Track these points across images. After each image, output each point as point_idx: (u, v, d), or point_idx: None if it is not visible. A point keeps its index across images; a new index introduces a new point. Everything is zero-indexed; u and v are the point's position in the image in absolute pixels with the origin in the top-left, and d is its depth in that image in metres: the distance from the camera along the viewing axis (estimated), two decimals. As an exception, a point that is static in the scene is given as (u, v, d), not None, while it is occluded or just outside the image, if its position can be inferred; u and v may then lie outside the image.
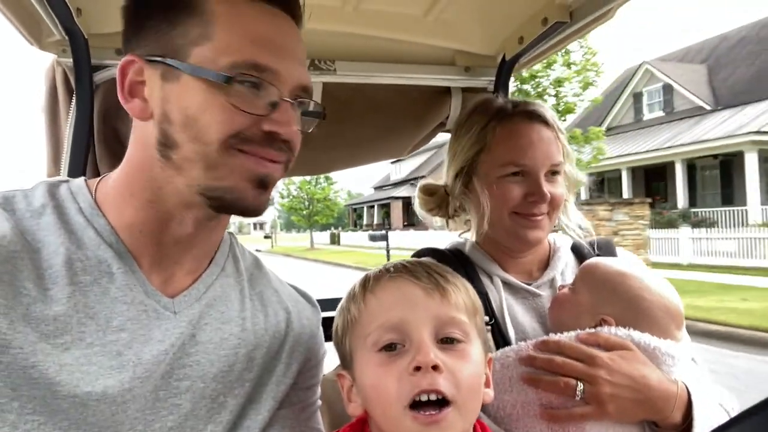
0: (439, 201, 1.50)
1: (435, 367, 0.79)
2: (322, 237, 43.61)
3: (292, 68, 0.86)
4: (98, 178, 0.94)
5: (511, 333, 1.28)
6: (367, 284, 0.92)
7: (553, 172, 1.33)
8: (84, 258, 0.83)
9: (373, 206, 43.30)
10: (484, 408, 1.16)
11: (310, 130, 0.95)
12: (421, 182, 1.56)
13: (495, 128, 1.34)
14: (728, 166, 21.35)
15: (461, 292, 0.90)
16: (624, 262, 1.26)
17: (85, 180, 0.93)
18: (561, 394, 1.09)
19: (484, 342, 0.91)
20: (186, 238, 0.90)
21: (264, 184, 0.86)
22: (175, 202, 0.86)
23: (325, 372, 1.15)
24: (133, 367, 0.82)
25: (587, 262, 1.30)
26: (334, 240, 39.52)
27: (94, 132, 1.64)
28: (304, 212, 33.62)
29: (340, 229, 46.59)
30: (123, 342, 0.82)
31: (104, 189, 0.91)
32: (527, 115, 1.35)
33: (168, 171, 0.84)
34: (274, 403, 0.97)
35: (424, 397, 0.79)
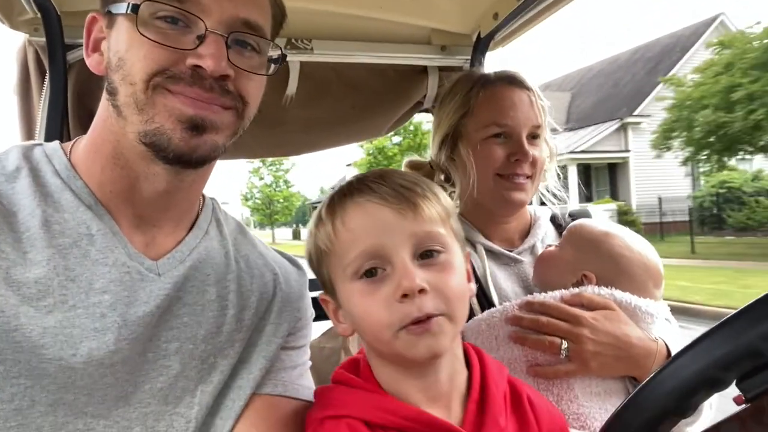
0: (425, 175, 1.53)
1: (421, 290, 0.78)
2: (285, 233, 47.86)
3: None
4: (73, 140, 0.93)
5: (495, 297, 1.32)
6: (333, 210, 0.87)
7: (534, 136, 1.38)
8: (62, 220, 0.82)
9: None
10: None
11: (269, 73, 0.91)
12: (406, 159, 1.61)
13: (478, 93, 1.40)
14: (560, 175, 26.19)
15: (432, 202, 0.85)
16: (607, 224, 1.32)
17: (60, 143, 0.92)
18: (546, 352, 1.13)
19: (461, 241, 0.89)
20: (159, 197, 0.89)
21: (195, 126, 0.82)
22: (134, 157, 0.84)
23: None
24: (118, 328, 0.81)
25: (574, 223, 1.35)
26: (296, 236, 42.94)
27: (68, 113, 1.61)
28: (266, 212, 38.13)
29: (301, 226, 48.97)
30: (106, 304, 0.81)
31: (77, 151, 0.90)
32: (508, 80, 1.41)
33: (120, 122, 0.83)
34: (265, 362, 0.96)
35: (415, 320, 0.79)
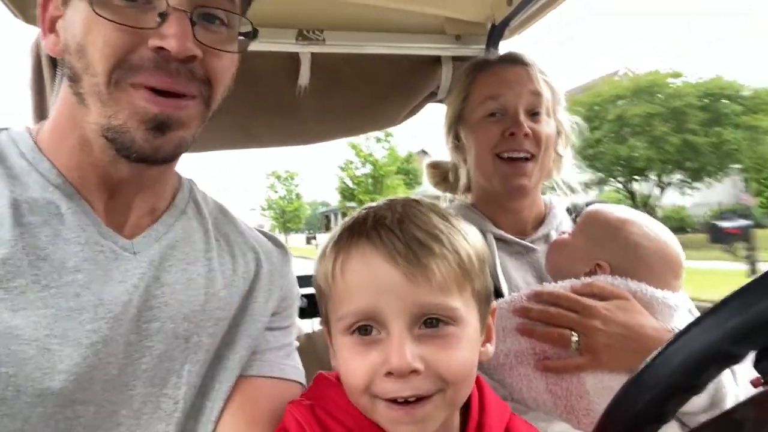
0: (444, 174, 1.54)
1: (413, 371, 0.69)
2: (299, 239, 52.68)
3: None
4: (38, 124, 0.91)
5: (504, 288, 1.26)
6: (338, 250, 0.77)
7: (534, 112, 1.32)
8: (30, 200, 0.80)
9: (337, 213, 51.27)
10: None
11: (239, 51, 0.86)
12: (427, 160, 1.61)
13: (476, 76, 1.38)
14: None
15: (450, 263, 0.73)
16: (625, 210, 1.24)
17: (27, 127, 0.90)
18: (555, 345, 1.07)
19: (484, 298, 0.78)
20: (128, 183, 0.86)
21: (160, 125, 0.78)
22: (98, 143, 0.81)
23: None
24: (93, 307, 0.79)
25: (589, 208, 1.28)
26: (308, 241, 47.33)
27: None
28: (281, 220, 43.94)
29: (314, 232, 54.98)
30: (80, 283, 0.79)
31: (42, 133, 0.88)
32: (505, 59, 1.39)
33: (82, 110, 0.80)
34: (251, 341, 0.94)
35: (400, 400, 0.71)
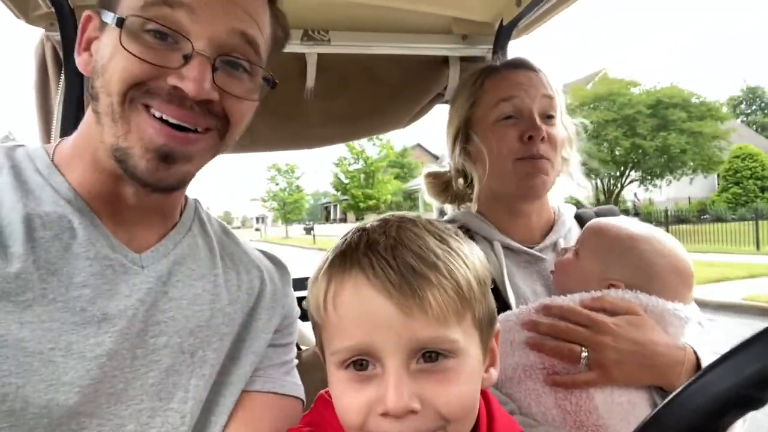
0: (444, 184, 1.51)
1: (411, 411, 0.66)
2: (298, 229, 54.43)
3: (214, 14, 0.80)
4: (56, 142, 0.94)
5: (512, 298, 1.25)
6: (330, 277, 0.73)
7: (547, 115, 1.31)
8: (43, 214, 0.82)
9: (336, 204, 53.04)
10: None
11: (257, 99, 0.89)
12: (425, 170, 1.57)
13: (484, 80, 1.35)
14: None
15: (447, 292, 0.68)
16: (630, 222, 1.22)
17: (43, 144, 0.92)
18: (565, 360, 1.06)
19: (486, 323, 0.74)
20: (135, 205, 0.88)
21: (164, 156, 0.80)
22: (109, 167, 0.84)
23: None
24: (97, 322, 0.80)
25: (591, 223, 1.26)
26: (308, 232, 48.34)
27: (84, 107, 1.60)
28: (282, 211, 46.58)
29: (312, 222, 56.73)
30: (86, 298, 0.80)
31: (61, 151, 0.91)
32: (513, 64, 1.37)
33: (98, 128, 0.83)
34: (254, 357, 0.96)
35: None
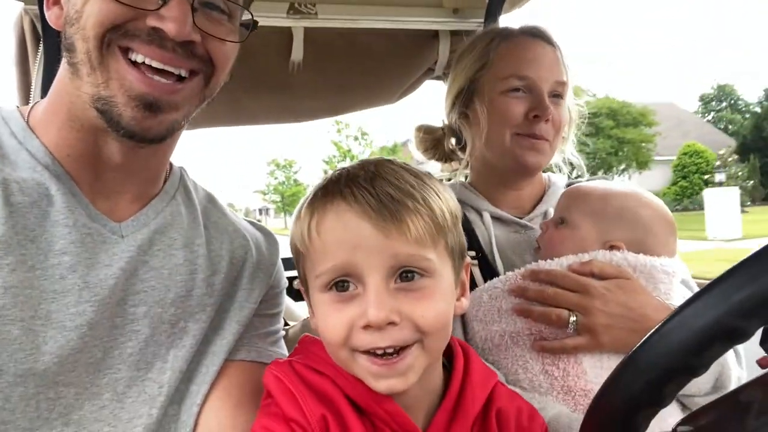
0: (435, 141, 1.46)
1: (390, 323, 0.70)
2: None
3: None
4: (32, 104, 0.90)
5: (500, 266, 1.22)
6: (312, 210, 0.77)
7: (556, 94, 1.26)
8: (20, 180, 0.79)
9: None
10: (471, 340, 1.10)
11: (238, 41, 0.86)
12: (418, 123, 1.51)
13: (499, 44, 1.29)
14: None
15: (424, 218, 0.73)
16: (607, 183, 1.20)
17: (18, 106, 0.89)
18: (553, 325, 1.03)
19: (458, 253, 0.79)
20: (117, 166, 0.84)
21: (150, 105, 0.77)
22: (88, 121, 0.80)
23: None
24: (78, 291, 0.79)
25: (570, 190, 1.22)
26: None
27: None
28: (280, 204, 47.46)
29: None
30: (66, 265, 0.79)
31: (36, 113, 0.87)
32: (531, 33, 1.30)
33: (75, 81, 0.79)
34: (238, 327, 0.94)
35: (379, 351, 0.71)
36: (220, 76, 0.85)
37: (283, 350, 1.01)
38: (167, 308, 0.87)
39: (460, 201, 1.32)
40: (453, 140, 1.42)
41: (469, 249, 1.23)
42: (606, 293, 1.02)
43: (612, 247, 1.10)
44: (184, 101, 0.82)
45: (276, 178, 46.99)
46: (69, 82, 0.80)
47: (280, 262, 1.05)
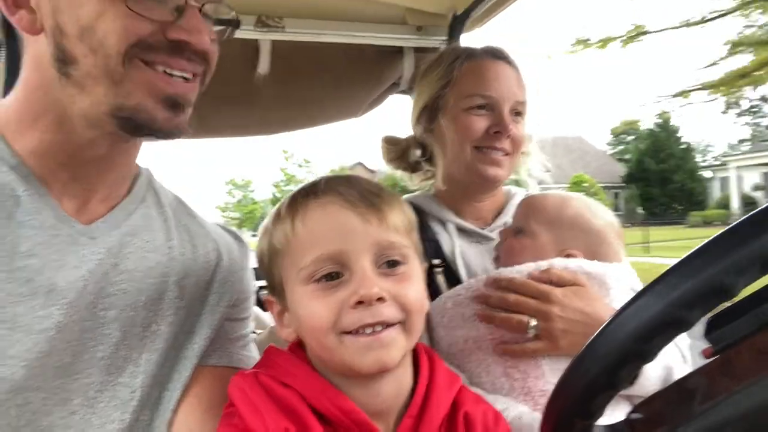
0: (401, 151, 1.49)
1: (379, 299, 0.74)
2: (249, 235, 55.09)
3: None
4: None
5: (463, 275, 1.27)
6: (295, 209, 0.81)
7: (517, 113, 1.33)
8: None
9: None
10: (436, 346, 1.13)
11: (225, 38, 0.89)
12: (385, 134, 1.55)
13: (463, 63, 1.35)
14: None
15: (397, 210, 0.81)
16: (561, 193, 1.26)
17: None
18: (514, 331, 1.07)
19: (420, 255, 0.86)
20: (100, 161, 0.84)
21: (175, 105, 0.80)
22: (84, 124, 0.79)
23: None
24: (45, 293, 0.77)
25: (528, 200, 1.28)
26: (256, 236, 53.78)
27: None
28: (237, 220, 48.41)
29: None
30: (33, 268, 0.77)
31: (1, 115, 0.84)
32: (493, 53, 1.37)
33: (69, 89, 0.78)
34: (209, 331, 0.94)
35: (368, 330, 0.74)
36: (208, 76, 0.88)
37: (254, 353, 1.01)
38: (139, 311, 0.86)
39: (427, 212, 1.38)
40: (418, 152, 1.46)
41: (435, 257, 1.28)
42: (564, 299, 1.07)
43: (568, 255, 1.16)
44: (194, 99, 0.85)
45: (234, 197, 49.45)
46: (60, 91, 0.78)
47: (250, 267, 1.06)
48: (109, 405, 0.82)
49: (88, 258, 0.82)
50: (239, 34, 1.69)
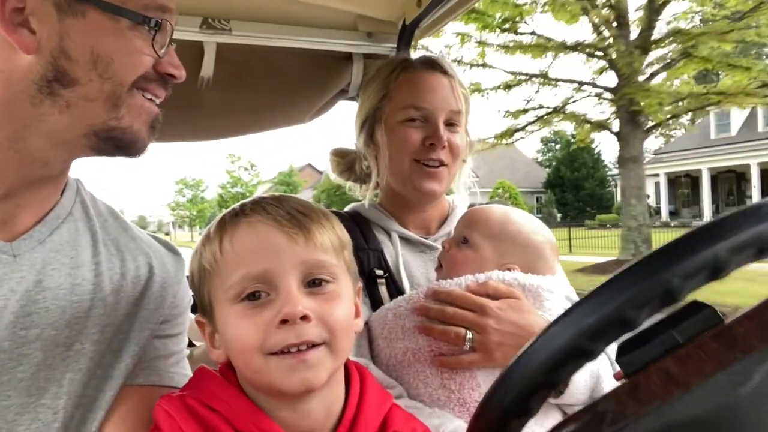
0: (350, 163, 1.50)
1: (304, 317, 0.74)
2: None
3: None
4: None
5: (406, 285, 1.28)
6: (223, 229, 0.81)
7: (452, 123, 1.34)
8: None
9: None
10: (376, 357, 1.14)
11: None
12: (333, 147, 1.56)
13: (398, 76, 1.36)
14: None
15: (326, 230, 0.82)
16: (504, 208, 1.29)
17: None
18: (452, 343, 1.09)
19: (352, 274, 0.86)
20: (43, 179, 0.83)
21: (154, 126, 0.87)
22: (45, 144, 0.80)
23: None
24: None
25: (473, 212, 1.30)
26: None
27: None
28: (188, 218, 51.08)
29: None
30: None
31: None
32: (428, 64, 1.38)
33: (43, 108, 0.78)
34: (137, 350, 0.92)
35: (293, 349, 0.74)
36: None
37: (186, 371, 0.98)
38: (62, 330, 0.83)
39: (372, 221, 1.38)
40: (365, 163, 1.46)
41: (378, 268, 1.29)
42: (500, 313, 1.09)
43: (507, 269, 1.19)
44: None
45: (184, 196, 50.18)
46: (29, 108, 0.78)
47: (185, 280, 1.03)
48: (30, 428, 0.80)
49: (9, 276, 0.80)
50: (184, 36, 1.67)
